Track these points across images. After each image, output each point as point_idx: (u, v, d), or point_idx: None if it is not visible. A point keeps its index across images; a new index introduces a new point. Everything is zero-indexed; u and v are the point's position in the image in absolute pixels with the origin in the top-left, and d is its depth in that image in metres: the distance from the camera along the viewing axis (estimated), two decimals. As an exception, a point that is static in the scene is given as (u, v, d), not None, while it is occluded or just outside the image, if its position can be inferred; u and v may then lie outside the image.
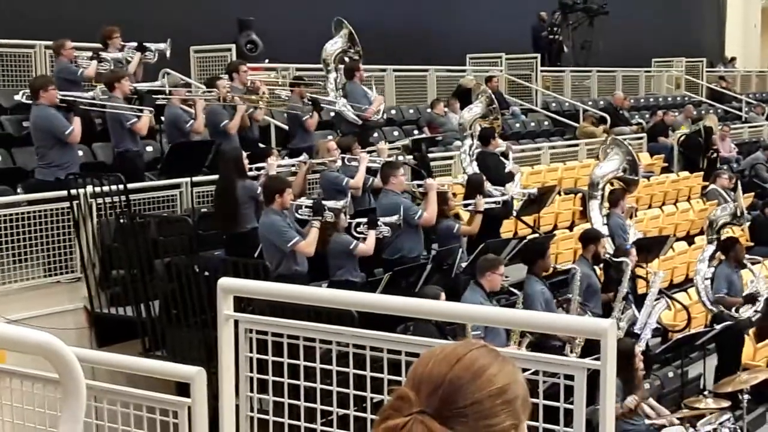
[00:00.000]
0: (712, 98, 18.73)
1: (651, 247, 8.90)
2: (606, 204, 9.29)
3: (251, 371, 2.89)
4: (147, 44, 9.36)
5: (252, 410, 2.93)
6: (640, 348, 7.23)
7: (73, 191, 7.22)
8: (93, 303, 7.33)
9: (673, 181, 13.05)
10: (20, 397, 2.73)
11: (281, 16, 13.85)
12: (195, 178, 7.99)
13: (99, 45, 9.35)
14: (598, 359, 2.38)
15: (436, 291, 6.33)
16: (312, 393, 2.80)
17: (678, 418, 6.53)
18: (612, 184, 9.47)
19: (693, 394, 7.34)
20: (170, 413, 2.63)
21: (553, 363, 2.46)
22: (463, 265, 7.62)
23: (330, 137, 9.37)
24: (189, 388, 2.63)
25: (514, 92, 14.93)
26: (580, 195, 11.18)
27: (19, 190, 7.82)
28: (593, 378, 2.39)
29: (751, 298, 8.38)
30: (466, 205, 8.31)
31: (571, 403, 2.39)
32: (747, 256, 9.01)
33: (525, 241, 8.27)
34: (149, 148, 8.91)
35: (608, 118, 14.20)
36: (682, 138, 14.09)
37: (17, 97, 8.46)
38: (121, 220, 7.28)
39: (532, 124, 14.16)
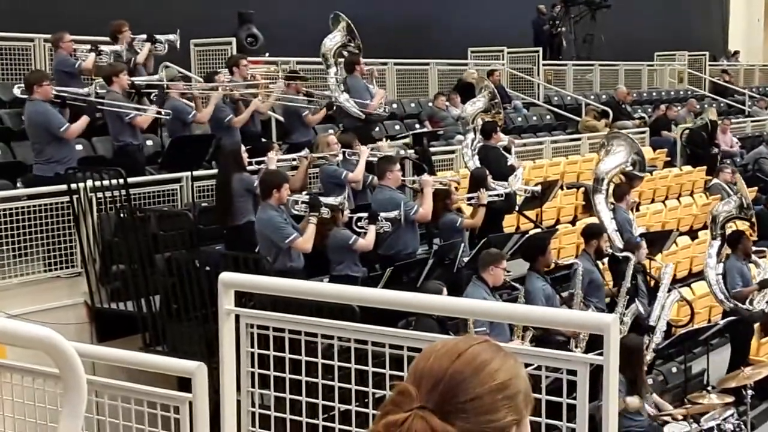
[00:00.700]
0: (715, 92, 18.70)
1: (654, 242, 8.89)
2: (611, 198, 9.28)
3: (252, 366, 2.88)
4: (156, 36, 9.36)
5: (253, 405, 2.92)
6: (656, 340, 7.25)
7: (73, 185, 7.20)
8: (93, 298, 7.32)
9: (676, 175, 13.03)
10: (20, 392, 2.72)
11: (282, 10, 13.83)
12: (195, 173, 7.98)
13: (97, 38, 9.33)
14: (601, 354, 2.37)
15: (438, 286, 6.32)
16: (313, 388, 2.79)
17: (681, 414, 6.51)
18: (620, 179, 9.46)
19: (696, 390, 7.33)
20: (171, 408, 2.62)
21: (555, 358, 2.45)
22: (465, 259, 7.62)
23: (330, 131, 9.35)
24: (190, 383, 2.62)
25: (516, 86, 14.90)
26: (582, 189, 11.16)
27: (18, 185, 7.81)
28: (596, 373, 2.38)
29: (766, 283, 8.39)
30: (469, 199, 8.30)
31: (574, 398, 2.38)
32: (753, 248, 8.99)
33: (526, 236, 8.26)
34: (149, 142, 8.90)
35: (610, 112, 14.18)
36: (685, 132, 14.06)
37: (16, 91, 8.45)
38: (122, 215, 7.27)
39: (534, 118, 14.14)
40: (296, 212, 7.00)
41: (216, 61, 10.85)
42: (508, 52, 14.85)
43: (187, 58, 10.88)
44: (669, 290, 7.93)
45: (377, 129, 10.25)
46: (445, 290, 6.25)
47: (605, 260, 8.19)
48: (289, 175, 7.67)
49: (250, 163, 7.60)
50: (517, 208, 9.18)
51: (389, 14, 15.68)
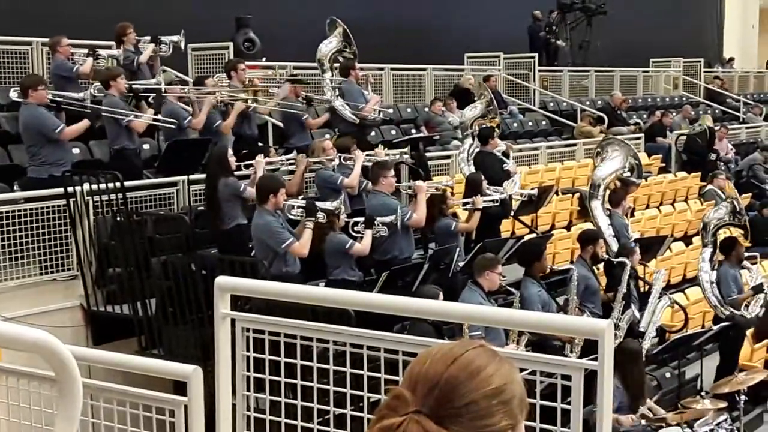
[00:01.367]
0: (710, 99, 18.75)
1: (649, 247, 8.91)
2: (607, 204, 9.29)
3: (248, 370, 2.89)
4: (161, 37, 9.38)
5: (249, 409, 2.92)
6: (646, 346, 7.25)
7: (70, 189, 7.20)
8: (89, 301, 7.31)
9: (671, 181, 13.06)
10: (16, 395, 2.72)
11: (279, 14, 13.85)
12: (192, 176, 7.98)
13: (96, 42, 9.33)
14: (595, 359, 2.38)
15: (434, 291, 6.33)
16: (309, 392, 2.80)
17: (675, 419, 6.52)
18: (615, 185, 9.47)
19: (690, 395, 7.34)
20: (167, 412, 2.63)
21: (550, 363, 2.46)
22: (461, 264, 7.63)
23: (327, 136, 9.36)
24: (185, 386, 2.62)
25: (512, 92, 14.93)
26: (577, 195, 11.18)
27: (15, 188, 7.81)
28: (591, 378, 2.39)
29: (759, 288, 8.40)
30: (464, 204, 8.31)
31: (569, 403, 2.39)
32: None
33: (522, 241, 8.27)
34: (146, 146, 8.90)
35: (605, 118, 14.21)
36: (681, 139, 14.10)
37: (14, 95, 8.44)
38: (118, 218, 7.27)
39: (530, 123, 14.16)
40: (293, 217, 7.00)
41: (213, 66, 10.86)
42: (505, 58, 14.88)
43: (184, 62, 10.88)
44: (660, 296, 7.94)
45: (373, 134, 10.25)
46: (441, 295, 6.26)
47: (600, 266, 8.19)
48: (286, 179, 7.68)
49: (239, 167, 7.60)
50: (512, 213, 9.20)
51: (386, 19, 15.71)
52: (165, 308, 6.93)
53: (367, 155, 8.25)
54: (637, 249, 8.19)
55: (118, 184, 7.11)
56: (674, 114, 15.73)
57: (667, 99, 18.00)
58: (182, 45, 9.59)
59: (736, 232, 9.55)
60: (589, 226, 9.36)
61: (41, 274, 7.24)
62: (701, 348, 8.03)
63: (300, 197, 7.31)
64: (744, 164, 14.61)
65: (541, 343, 6.71)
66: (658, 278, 8.00)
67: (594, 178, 9.49)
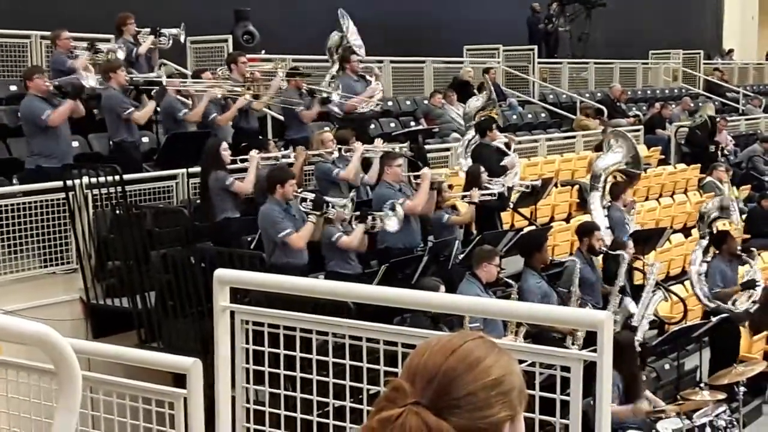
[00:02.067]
0: (710, 90, 18.72)
1: (648, 239, 8.90)
2: (607, 196, 9.28)
3: (247, 362, 2.89)
4: (161, 29, 9.35)
5: (248, 401, 2.92)
6: (638, 338, 7.24)
7: (69, 182, 7.20)
8: (89, 294, 7.32)
9: (670, 173, 13.05)
10: (15, 388, 2.72)
11: (278, 7, 13.82)
12: (191, 169, 7.97)
13: (96, 36, 9.31)
14: (594, 351, 2.38)
15: (435, 283, 6.33)
16: (308, 384, 2.80)
17: (674, 410, 6.54)
18: (615, 177, 9.45)
19: (689, 386, 7.35)
20: (166, 404, 2.63)
21: (549, 354, 2.46)
22: (460, 256, 7.63)
23: (326, 129, 9.35)
24: (185, 379, 2.63)
25: (512, 84, 14.91)
26: (577, 187, 11.18)
27: (14, 181, 7.80)
28: (590, 370, 2.39)
29: (750, 284, 8.36)
30: (463, 197, 8.31)
31: (568, 394, 2.39)
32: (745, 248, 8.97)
33: (521, 233, 8.27)
34: (145, 139, 8.89)
35: (605, 109, 14.19)
36: (681, 131, 14.08)
37: (13, 88, 8.44)
38: (117, 211, 7.27)
39: (530, 115, 14.14)
40: (304, 209, 7.00)
41: (212, 58, 10.84)
42: (504, 50, 14.86)
43: (183, 55, 10.87)
44: (654, 290, 7.92)
45: (372, 126, 10.24)
46: (442, 287, 6.26)
47: (599, 258, 8.20)
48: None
49: (234, 161, 7.59)
50: (511, 205, 9.19)
51: (386, 12, 15.67)
52: (164, 301, 6.93)
53: (365, 148, 8.25)
54: (630, 243, 8.16)
55: (117, 177, 7.11)
56: (673, 106, 15.71)
57: (667, 91, 17.98)
58: (182, 38, 9.56)
59: (733, 226, 9.54)
60: (587, 218, 9.36)
61: (41, 267, 7.24)
62: (700, 340, 8.04)
63: (300, 190, 7.28)
64: (743, 156, 14.60)
65: (540, 335, 6.71)
66: (652, 272, 7.98)
67: (594, 169, 9.48)
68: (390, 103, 12.23)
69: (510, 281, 7.26)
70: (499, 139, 9.55)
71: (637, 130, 13.77)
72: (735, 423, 6.62)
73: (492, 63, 14.17)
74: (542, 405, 2.36)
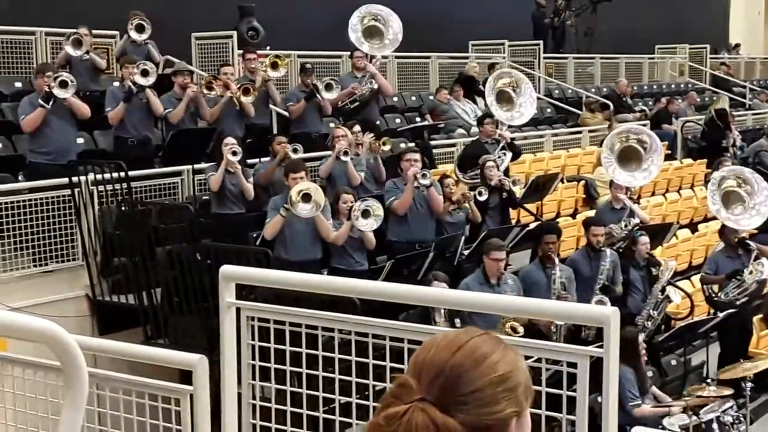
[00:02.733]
0: (716, 85, 18.65)
1: (654, 235, 8.87)
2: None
3: (253, 359, 2.89)
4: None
5: (254, 398, 2.92)
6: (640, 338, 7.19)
7: (75, 179, 7.21)
8: (94, 291, 7.33)
9: (677, 168, 13.02)
10: (22, 384, 2.73)
11: (282, 3, 13.79)
12: (196, 166, 7.98)
13: (100, 31, 9.32)
14: (601, 347, 2.38)
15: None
16: (314, 381, 2.80)
17: (680, 406, 6.53)
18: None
19: (696, 382, 7.33)
20: (172, 401, 2.63)
21: (556, 350, 2.45)
22: (465, 252, 7.63)
23: (332, 125, 9.34)
24: (191, 375, 2.63)
25: (517, 79, 14.84)
26: (583, 182, 11.16)
27: (20, 178, 7.82)
28: (597, 366, 2.38)
29: (733, 274, 8.30)
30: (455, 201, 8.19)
31: (574, 390, 2.38)
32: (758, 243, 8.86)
33: (526, 228, 8.26)
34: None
35: (610, 104, 14.15)
36: (691, 127, 14.04)
37: (18, 84, 8.43)
38: (123, 208, 7.28)
39: (535, 111, 14.08)
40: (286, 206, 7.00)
41: (217, 55, 10.84)
42: (509, 46, 14.81)
43: (188, 51, 10.87)
44: (663, 289, 7.84)
45: (378, 122, 10.22)
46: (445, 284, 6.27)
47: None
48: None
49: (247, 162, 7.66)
50: (518, 200, 9.16)
51: (391, 7, 15.62)
52: (170, 298, 6.94)
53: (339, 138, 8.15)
54: (643, 239, 8.12)
55: (122, 174, 7.12)
56: (680, 100, 15.66)
57: (673, 86, 17.91)
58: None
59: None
60: (590, 214, 9.35)
61: (46, 264, 7.25)
62: (707, 335, 8.01)
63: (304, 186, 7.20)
64: (750, 151, 14.53)
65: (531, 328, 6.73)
66: (664, 271, 7.91)
67: None
68: (395, 99, 12.21)
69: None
70: (491, 135, 9.41)
71: (644, 125, 13.73)
72: (742, 419, 6.59)
73: (497, 58, 14.13)
74: (549, 401, 2.35)
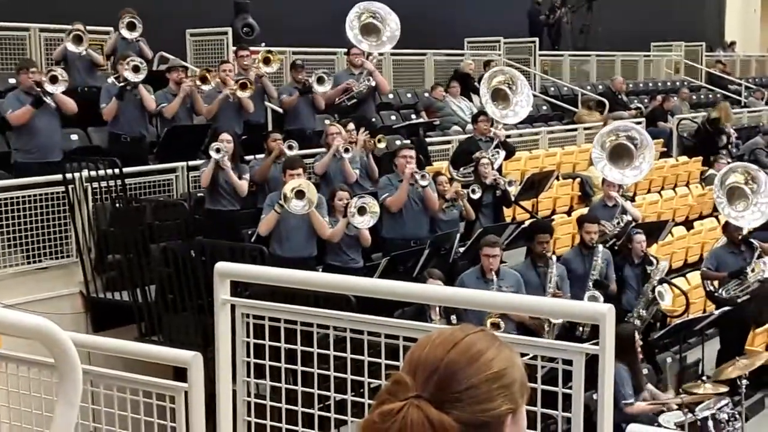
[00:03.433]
0: (711, 83, 18.67)
1: (650, 232, 8.88)
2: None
3: (248, 356, 2.88)
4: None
5: (249, 395, 2.92)
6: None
7: (68, 175, 7.19)
8: (89, 288, 7.32)
9: (672, 166, 13.03)
10: (16, 381, 2.72)
11: (277, 0, 13.77)
12: (191, 162, 7.96)
13: (95, 28, 9.30)
14: (597, 344, 2.37)
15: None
16: (309, 378, 2.79)
17: (676, 404, 6.53)
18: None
19: (692, 380, 7.34)
20: (167, 398, 2.63)
21: (551, 348, 2.45)
22: (461, 250, 7.63)
23: (326, 122, 9.33)
24: (186, 373, 2.62)
25: (513, 77, 14.84)
26: (578, 180, 11.16)
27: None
28: (593, 363, 2.38)
29: (737, 273, 8.32)
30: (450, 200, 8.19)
31: (570, 388, 2.38)
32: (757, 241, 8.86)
33: (522, 226, 8.26)
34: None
35: (606, 102, 14.16)
36: (686, 124, 14.06)
37: (12, 81, 8.40)
38: (117, 204, 7.26)
39: (531, 108, 14.08)
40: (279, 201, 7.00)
41: (212, 51, 10.82)
42: (505, 43, 14.81)
43: (183, 48, 10.84)
44: (654, 289, 7.83)
45: (373, 120, 10.21)
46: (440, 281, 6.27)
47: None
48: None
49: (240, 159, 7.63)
50: (513, 199, 9.17)
51: (386, 4, 15.60)
52: (165, 295, 6.93)
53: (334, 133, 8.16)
54: (637, 237, 8.11)
55: (116, 171, 7.10)
56: (675, 98, 15.68)
57: (669, 83, 17.93)
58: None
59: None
60: (584, 211, 9.35)
61: (40, 261, 7.23)
62: (702, 333, 8.02)
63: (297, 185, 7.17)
64: (746, 148, 14.56)
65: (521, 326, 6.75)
66: (656, 271, 7.90)
67: None
68: (391, 96, 12.20)
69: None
70: (485, 133, 9.39)
71: (639, 123, 13.74)
72: (737, 416, 6.60)
73: (493, 56, 14.13)
74: (544, 398, 2.35)
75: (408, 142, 8.89)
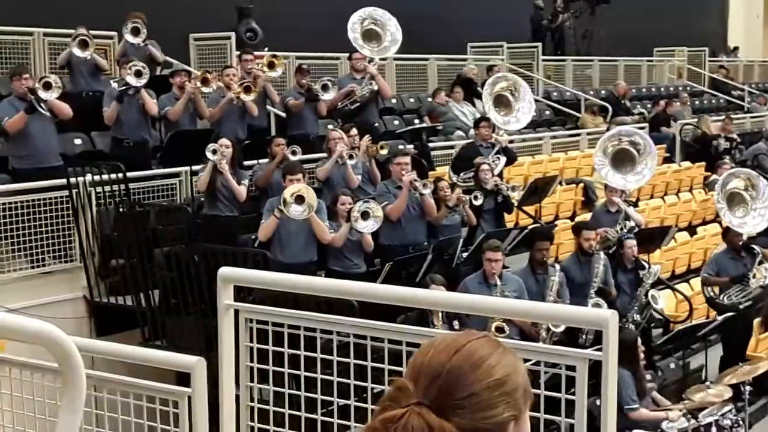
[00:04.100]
0: (714, 88, 18.67)
1: (653, 238, 8.87)
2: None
3: (251, 361, 2.88)
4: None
5: (252, 400, 2.92)
6: None
7: (72, 180, 7.20)
8: (92, 292, 7.33)
9: (675, 171, 13.02)
10: (19, 386, 2.72)
11: (281, 4, 13.79)
12: (194, 167, 7.97)
13: (98, 32, 9.31)
14: (600, 350, 2.37)
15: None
16: (312, 383, 2.79)
17: (679, 410, 6.52)
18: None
19: (695, 385, 7.33)
20: (170, 403, 2.63)
21: (555, 353, 2.45)
22: (464, 255, 7.63)
23: (330, 127, 9.34)
24: (189, 377, 2.62)
25: (516, 82, 14.84)
26: (581, 185, 11.16)
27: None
28: (596, 369, 2.38)
29: (739, 278, 8.30)
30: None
31: (573, 394, 2.38)
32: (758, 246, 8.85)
33: (525, 231, 8.26)
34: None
35: (609, 107, 14.16)
36: (689, 129, 14.08)
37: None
38: (121, 209, 7.27)
39: (534, 113, 14.08)
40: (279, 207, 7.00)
41: (215, 56, 10.84)
42: (508, 48, 14.82)
43: (186, 52, 10.86)
44: (647, 293, 7.80)
45: (377, 124, 10.22)
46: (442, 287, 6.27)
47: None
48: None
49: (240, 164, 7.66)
50: (516, 203, 9.16)
51: (389, 9, 15.62)
52: (168, 299, 6.93)
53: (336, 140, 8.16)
54: (629, 242, 8.08)
55: (120, 175, 7.11)
56: (678, 103, 15.67)
57: (672, 88, 17.93)
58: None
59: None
60: (585, 217, 9.34)
61: (44, 265, 7.24)
62: (706, 338, 8.00)
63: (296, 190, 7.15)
64: (749, 154, 14.54)
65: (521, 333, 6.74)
66: (648, 276, 7.89)
67: None
68: (394, 101, 12.21)
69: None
70: (487, 139, 9.38)
71: (642, 128, 13.73)
72: (741, 422, 6.59)
73: (496, 60, 14.14)
74: (547, 404, 2.35)
75: (406, 148, 8.85)
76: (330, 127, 9.32)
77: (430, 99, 12.40)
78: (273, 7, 13.21)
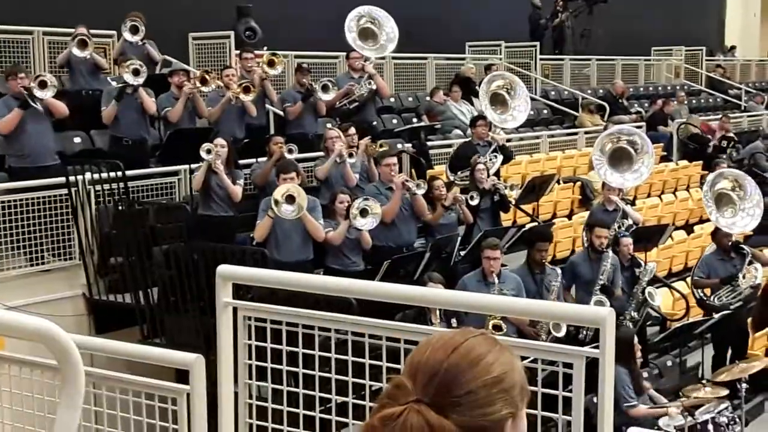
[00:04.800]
0: (712, 87, 18.68)
1: (650, 236, 8.89)
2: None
3: (250, 358, 2.89)
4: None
5: (251, 397, 2.93)
6: None
7: (71, 178, 7.20)
8: (91, 290, 7.33)
9: (672, 169, 13.04)
10: (19, 383, 2.73)
11: (280, 3, 13.79)
12: (193, 165, 7.97)
13: (97, 31, 9.31)
14: (597, 347, 2.39)
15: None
16: (311, 380, 2.80)
17: (676, 407, 6.54)
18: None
19: (691, 383, 7.35)
20: (169, 400, 2.64)
21: (552, 351, 2.46)
22: (461, 253, 7.64)
23: (328, 125, 9.34)
24: (188, 375, 2.63)
25: (514, 80, 14.85)
26: (579, 183, 11.18)
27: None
28: (593, 367, 2.39)
29: (729, 279, 8.30)
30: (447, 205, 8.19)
31: (570, 391, 2.39)
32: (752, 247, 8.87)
33: (523, 229, 8.27)
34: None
35: (607, 106, 14.18)
36: (684, 129, 14.10)
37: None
38: (120, 207, 7.28)
39: (532, 112, 14.06)
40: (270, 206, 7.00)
41: (214, 55, 10.84)
42: (506, 47, 14.83)
43: (185, 51, 10.86)
44: (644, 291, 7.81)
45: (375, 123, 10.24)
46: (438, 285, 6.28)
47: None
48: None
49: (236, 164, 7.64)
50: (513, 202, 9.18)
51: (387, 8, 15.62)
52: (167, 297, 6.94)
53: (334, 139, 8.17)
54: (624, 240, 8.09)
55: (119, 174, 7.12)
56: (675, 103, 15.69)
57: (669, 88, 17.95)
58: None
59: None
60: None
61: (43, 263, 7.25)
62: (702, 336, 8.03)
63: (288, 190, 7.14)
64: (746, 153, 14.56)
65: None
66: (644, 274, 7.90)
67: None
68: (392, 100, 12.21)
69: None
70: (484, 138, 9.39)
71: (639, 127, 13.75)
72: (737, 420, 6.61)
73: (494, 59, 14.15)
74: (544, 401, 2.36)
75: (405, 146, 8.82)
76: (328, 126, 9.33)
77: (428, 98, 12.40)
78: (272, 6, 13.21)
